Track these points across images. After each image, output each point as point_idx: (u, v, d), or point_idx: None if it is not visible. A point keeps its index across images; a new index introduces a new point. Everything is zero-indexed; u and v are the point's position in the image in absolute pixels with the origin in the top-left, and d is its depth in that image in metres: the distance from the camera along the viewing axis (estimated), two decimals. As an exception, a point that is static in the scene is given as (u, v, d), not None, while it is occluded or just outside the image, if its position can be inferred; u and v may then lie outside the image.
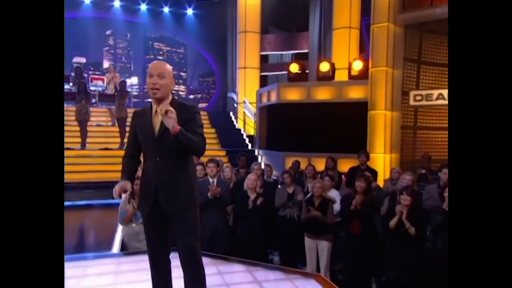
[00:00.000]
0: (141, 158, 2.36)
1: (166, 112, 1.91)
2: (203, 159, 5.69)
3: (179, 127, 1.96)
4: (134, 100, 17.08)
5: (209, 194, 4.18)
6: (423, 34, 7.40)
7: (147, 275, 3.22)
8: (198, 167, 5.05)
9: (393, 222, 3.92)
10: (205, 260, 3.54)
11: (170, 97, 2.25)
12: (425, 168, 5.88)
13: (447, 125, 7.17)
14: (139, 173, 5.19)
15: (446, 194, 3.91)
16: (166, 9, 18.05)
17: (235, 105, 12.57)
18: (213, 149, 9.72)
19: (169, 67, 2.24)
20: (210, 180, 4.47)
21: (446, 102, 6.98)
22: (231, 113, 12.91)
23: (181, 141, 2.00)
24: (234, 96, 12.88)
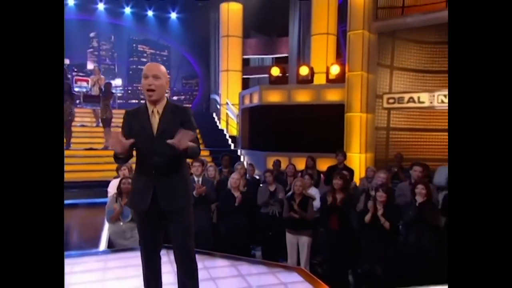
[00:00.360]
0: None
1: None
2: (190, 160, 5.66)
3: (187, 145, 1.94)
4: (119, 101, 16.78)
5: (194, 192, 4.17)
6: (395, 41, 7.57)
7: (135, 272, 3.19)
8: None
9: (367, 218, 4.01)
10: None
11: (165, 98, 2.20)
12: (397, 166, 6.03)
13: (417, 126, 7.39)
14: (125, 172, 5.09)
15: (417, 190, 4.03)
16: (150, 13, 17.80)
17: (218, 106, 12.53)
18: (197, 149, 9.66)
19: (163, 68, 2.19)
20: (195, 179, 4.46)
21: (416, 104, 7.18)
22: (214, 114, 12.86)
23: (188, 154, 2.04)
24: (217, 98, 12.84)
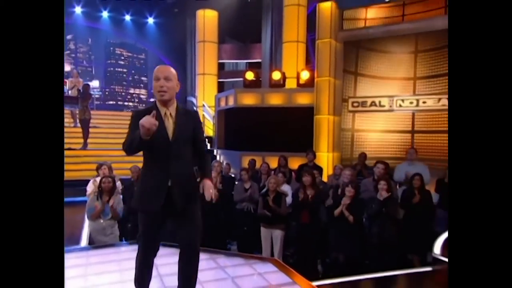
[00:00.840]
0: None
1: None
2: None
3: (212, 193, 2.13)
4: (96, 102, 16.25)
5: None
6: (359, 50, 7.80)
7: (116, 267, 3.15)
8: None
9: (337, 211, 4.13)
10: (169, 250, 3.53)
11: (175, 100, 2.16)
12: (361, 164, 6.23)
13: (378, 128, 7.64)
14: (105, 171, 4.99)
15: (380, 186, 4.18)
16: (127, 17, 17.40)
17: (195, 108, 12.43)
18: (174, 149, 9.55)
19: (174, 70, 2.13)
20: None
21: (378, 108, 7.43)
22: (190, 116, 12.72)
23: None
24: (194, 100, 12.73)
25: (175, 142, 2.03)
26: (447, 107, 6.78)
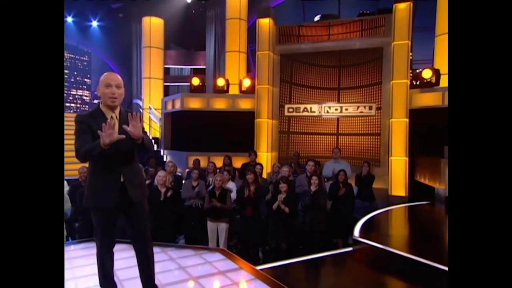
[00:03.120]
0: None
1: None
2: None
3: (142, 134, 1.98)
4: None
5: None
6: (293, 62, 8.21)
7: (67, 265, 2.97)
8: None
9: (275, 206, 4.31)
10: (122, 246, 3.42)
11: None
12: (295, 162, 6.55)
13: (310, 131, 8.11)
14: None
15: (312, 181, 4.46)
16: (69, 19, 16.00)
17: (141, 110, 11.91)
18: (121, 150, 9.08)
19: (121, 79, 2.16)
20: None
21: (309, 113, 7.88)
22: (137, 118, 12.16)
23: (144, 143, 2.02)
24: (140, 103, 12.19)
25: (122, 142, 1.98)
26: (364, 114, 7.47)
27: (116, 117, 2.11)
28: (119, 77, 2.14)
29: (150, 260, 2.25)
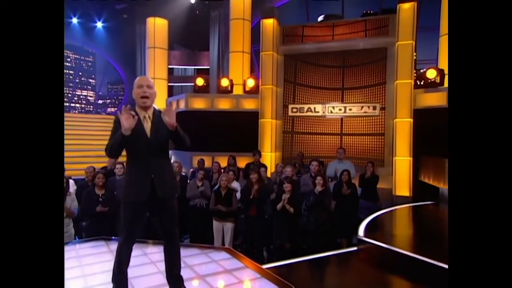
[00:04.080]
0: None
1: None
2: (122, 159, 5.38)
3: (176, 123, 2.08)
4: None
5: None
6: (297, 62, 8.23)
7: (75, 263, 3.02)
8: (118, 166, 4.79)
9: (279, 206, 4.32)
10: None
11: (153, 106, 2.28)
12: (299, 162, 6.57)
13: (314, 131, 8.12)
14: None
15: (316, 181, 4.47)
16: (74, 20, 16.14)
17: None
18: (126, 150, 9.15)
19: (152, 80, 2.31)
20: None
21: (313, 113, 7.89)
22: (141, 118, 12.23)
23: (178, 134, 2.13)
24: (144, 103, 12.26)
25: (153, 140, 2.12)
26: (368, 114, 7.47)
27: (149, 117, 2.20)
28: (150, 79, 2.30)
29: (177, 259, 2.31)
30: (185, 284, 2.36)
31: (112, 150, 2.10)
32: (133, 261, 2.98)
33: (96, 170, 4.78)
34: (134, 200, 2.15)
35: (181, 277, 2.34)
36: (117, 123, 2.13)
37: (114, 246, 3.39)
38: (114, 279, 2.24)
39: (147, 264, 2.97)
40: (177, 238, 2.32)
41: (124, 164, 4.82)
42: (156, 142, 2.14)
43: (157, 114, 2.24)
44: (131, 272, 2.75)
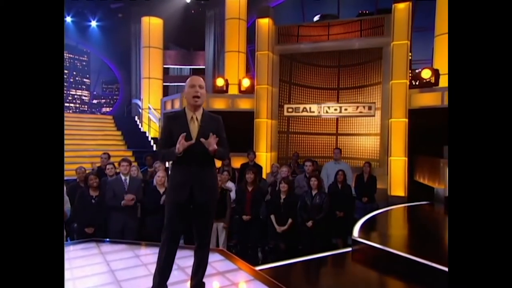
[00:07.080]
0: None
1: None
2: (114, 160, 5.33)
3: (216, 148, 2.10)
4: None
5: (122, 202, 4.04)
6: (293, 62, 8.22)
7: (66, 265, 2.97)
8: (109, 166, 4.74)
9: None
10: (122, 246, 3.42)
11: (202, 107, 2.28)
12: (294, 162, 6.56)
13: (309, 131, 8.12)
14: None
15: (311, 182, 4.43)
16: (68, 19, 15.98)
17: (140, 110, 11.90)
18: (120, 150, 9.06)
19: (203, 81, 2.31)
20: (123, 177, 4.25)
21: (308, 113, 7.88)
22: (136, 118, 12.17)
23: (219, 155, 2.16)
24: (139, 103, 12.18)
25: (199, 143, 2.11)
26: (363, 114, 7.48)
27: (197, 118, 2.21)
28: (202, 79, 2.28)
29: (204, 264, 2.32)
30: (178, 286, 2.32)
31: (164, 160, 2.21)
32: (124, 263, 2.96)
33: (88, 172, 4.72)
34: (177, 200, 2.18)
35: (203, 283, 2.34)
36: (164, 124, 2.25)
37: (105, 248, 3.34)
38: (158, 275, 2.26)
39: (139, 266, 2.92)
40: (209, 244, 2.34)
41: (115, 164, 4.79)
42: (200, 145, 2.10)
43: (206, 116, 2.25)
44: (122, 274, 2.72)
